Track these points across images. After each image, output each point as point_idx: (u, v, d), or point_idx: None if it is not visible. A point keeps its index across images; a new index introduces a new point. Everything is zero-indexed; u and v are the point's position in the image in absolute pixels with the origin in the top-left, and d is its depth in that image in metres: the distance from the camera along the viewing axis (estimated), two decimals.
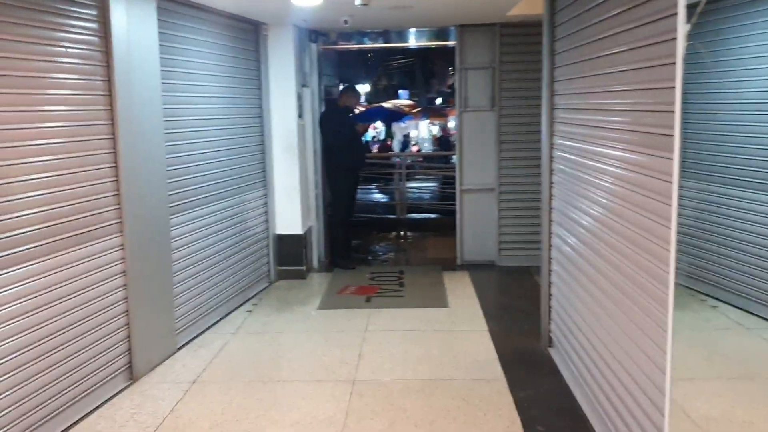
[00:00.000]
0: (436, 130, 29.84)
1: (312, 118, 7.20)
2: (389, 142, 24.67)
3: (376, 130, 28.68)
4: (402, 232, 9.71)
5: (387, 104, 27.18)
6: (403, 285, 6.58)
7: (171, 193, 4.72)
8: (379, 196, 13.99)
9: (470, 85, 7.16)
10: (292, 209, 6.81)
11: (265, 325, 5.41)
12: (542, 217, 4.84)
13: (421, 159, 16.21)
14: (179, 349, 4.82)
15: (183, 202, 4.93)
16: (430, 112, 30.30)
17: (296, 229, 6.83)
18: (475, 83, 7.15)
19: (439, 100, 34.46)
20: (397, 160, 10.94)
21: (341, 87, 7.60)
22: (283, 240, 6.81)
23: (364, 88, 36.21)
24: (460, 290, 6.33)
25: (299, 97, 6.78)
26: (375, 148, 23.40)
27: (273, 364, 4.62)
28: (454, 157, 12.35)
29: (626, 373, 3.12)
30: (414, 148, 26.00)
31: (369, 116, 26.59)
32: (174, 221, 4.77)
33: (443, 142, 26.38)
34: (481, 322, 5.39)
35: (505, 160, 7.15)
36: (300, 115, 6.84)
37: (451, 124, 29.73)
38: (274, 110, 6.63)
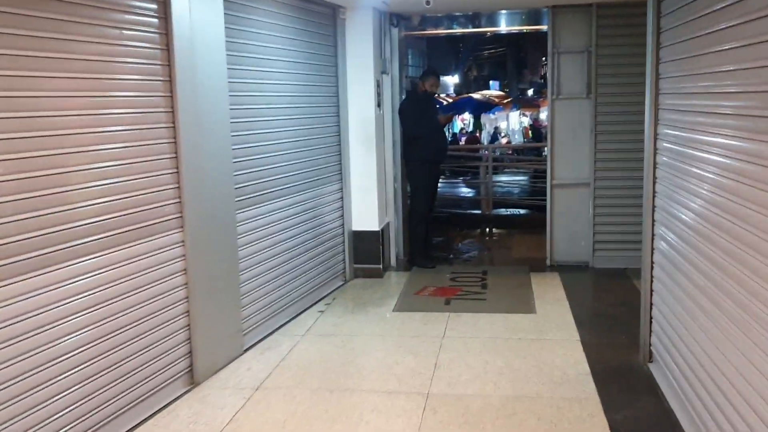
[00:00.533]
0: (527, 121, 28.97)
1: (391, 108, 6.84)
2: (478, 134, 24.07)
3: (464, 121, 28.13)
4: (487, 229, 9.23)
5: (476, 95, 26.55)
6: (486, 287, 6.12)
7: (238, 186, 4.47)
8: (464, 190, 13.52)
9: (564, 71, 6.60)
10: (368, 204, 6.48)
11: (337, 327, 5.10)
12: (644, 215, 4.30)
13: (510, 152, 15.59)
14: (246, 351, 4.57)
15: (251, 196, 4.67)
16: (521, 102, 29.41)
17: (373, 225, 6.50)
18: (569, 69, 6.58)
19: (530, 91, 33.46)
20: (485, 152, 10.41)
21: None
22: (359, 236, 6.49)
23: (453, 79, 35.67)
24: (549, 294, 5.81)
25: (378, 85, 6.43)
26: (463, 140, 22.90)
27: (342, 370, 4.29)
28: (545, 149, 11.80)
29: (740, 396, 2.65)
30: (503, 140, 25.30)
31: (458, 107, 26.07)
32: (241, 216, 4.52)
33: (535, 133, 25.51)
34: (572, 330, 4.87)
35: (602, 153, 6.55)
36: (378, 105, 6.49)
37: (543, 115, 28.78)
38: (351, 99, 6.31)
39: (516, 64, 35.54)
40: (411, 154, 6.84)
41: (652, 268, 4.15)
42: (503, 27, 8.92)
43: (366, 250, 6.52)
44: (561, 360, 4.33)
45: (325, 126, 5.96)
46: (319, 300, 5.78)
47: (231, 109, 4.35)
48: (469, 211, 10.56)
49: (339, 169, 6.29)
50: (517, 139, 26.42)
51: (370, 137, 6.40)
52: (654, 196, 4.10)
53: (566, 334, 4.81)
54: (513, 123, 29.35)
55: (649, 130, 4.12)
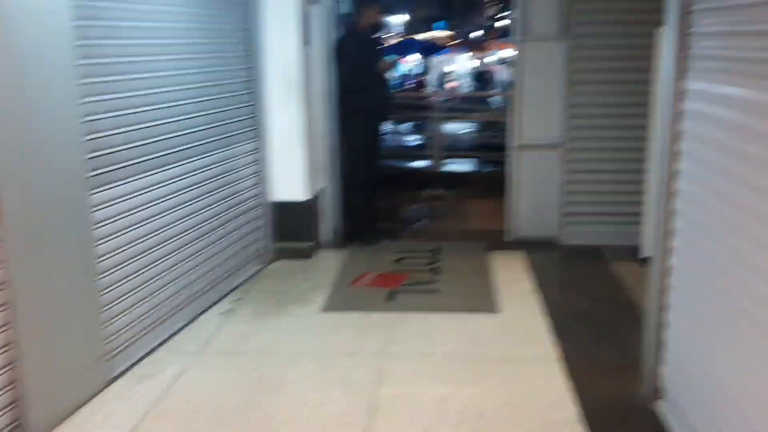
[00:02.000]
0: (475, 64, 27.75)
1: (324, 46, 5.50)
2: (424, 78, 22.77)
3: (410, 63, 26.73)
4: (438, 190, 8.06)
5: (422, 36, 25.11)
6: (438, 271, 4.99)
7: (91, 156, 3.14)
8: (411, 138, 12.33)
9: (534, 5, 5.37)
10: (294, 168, 5.22)
11: (244, 340, 3.89)
12: (653, 203, 3.18)
13: (459, 99, 14.43)
14: (114, 380, 3.33)
15: (115, 167, 3.35)
16: (470, 45, 28.14)
17: (300, 194, 5.25)
18: (540, 3, 5.35)
19: (478, 33, 32.11)
20: (433, 100, 9.18)
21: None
22: (282, 209, 5.25)
23: (401, 18, 33.96)
24: (515, 283, 4.72)
25: (305, 17, 5.08)
26: (411, 84, 21.57)
27: (241, 419, 3.09)
28: (495, 98, 10.75)
29: None
30: (452, 84, 24.06)
31: (402, 49, 24.60)
32: (96, 198, 3.20)
33: (479, 78, 24.32)
34: (548, 343, 3.79)
35: (577, 108, 5.41)
36: (306, 42, 5.15)
37: (492, 58, 27.60)
38: (269, 35, 4.96)
39: (465, 3, 34.09)
40: (349, 106, 5.56)
41: (665, 274, 3.06)
42: None
43: (292, 225, 5.29)
44: (539, 395, 3.23)
45: (231, 69, 4.63)
46: (228, 293, 4.55)
47: (79, 55, 3.00)
48: (417, 167, 9.38)
49: (254, 125, 4.99)
50: (466, 85, 25.26)
51: (295, 84, 5.10)
52: (673, 178, 2.98)
53: (541, 348, 3.72)
54: (461, 66, 28.12)
55: (668, 83, 2.96)
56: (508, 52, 26.55)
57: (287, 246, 5.30)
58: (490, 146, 10.01)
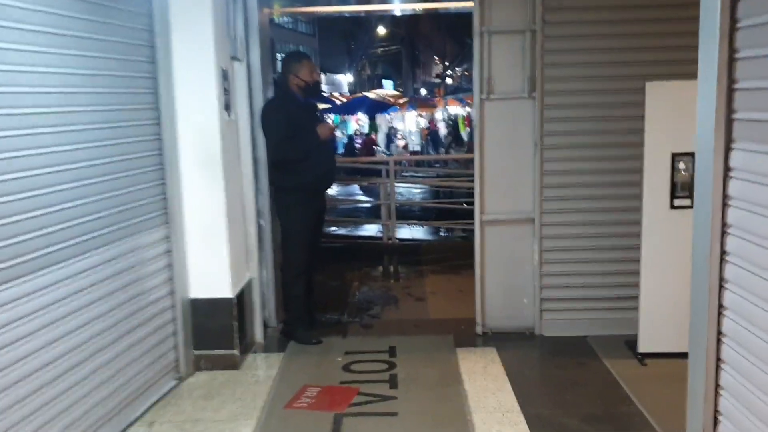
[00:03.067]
0: (423, 123, 27.39)
1: (250, 111, 4.64)
2: (374, 136, 22.19)
3: (360, 123, 26.21)
4: (391, 267, 7.19)
5: (371, 94, 24.67)
6: (395, 384, 4.03)
7: None
8: (362, 199, 11.49)
9: (496, 59, 4.62)
10: (215, 259, 4.25)
11: None
12: (696, 292, 2.35)
13: (411, 163, 13.74)
14: None
15: None
16: (416, 102, 27.86)
17: (223, 289, 4.28)
18: (504, 56, 4.61)
19: (424, 92, 32.00)
20: (385, 166, 8.39)
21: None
22: (201, 309, 4.25)
23: (346, 78, 33.65)
24: (491, 395, 3.80)
25: (225, 77, 4.21)
26: (359, 144, 20.90)
27: None
28: (449, 154, 10.07)
29: None
30: (400, 143, 23.52)
31: (351, 107, 24.06)
32: None
33: (433, 136, 23.88)
34: None
35: (552, 175, 4.63)
36: (227, 107, 4.27)
37: (438, 115, 27.30)
38: (180, 97, 4.06)
39: (410, 62, 34.14)
40: (282, 181, 4.66)
41: (717, 395, 2.19)
42: (403, 5, 6.93)
43: (213, 329, 4.28)
44: None
45: (134, 141, 3.70)
46: (131, 424, 3.52)
47: None
48: (367, 235, 8.50)
49: (163, 208, 4.04)
50: (415, 142, 24.76)
51: (214, 157, 4.18)
52: (724, 259, 2.15)
53: None
54: (409, 124, 27.74)
55: (708, 162, 2.15)
56: (456, 109, 26.32)
57: (208, 354, 4.29)
58: (452, 212, 9.24)
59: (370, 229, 9.15)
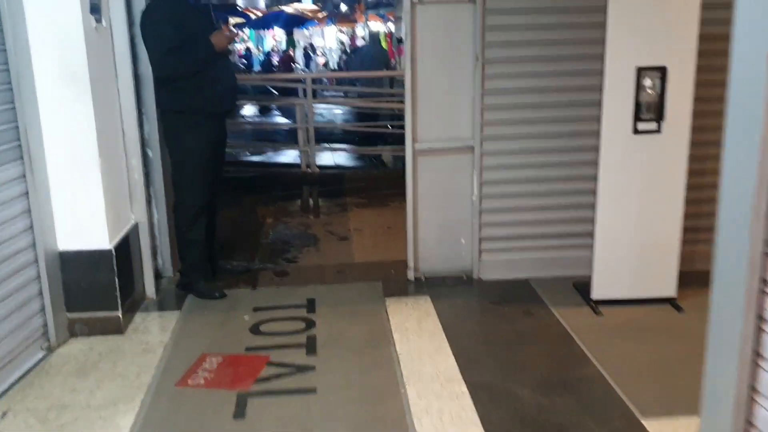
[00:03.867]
0: (344, 38, 26.10)
1: (128, 16, 3.71)
2: (291, 52, 20.89)
3: (277, 39, 24.72)
4: (311, 200, 6.47)
5: (288, 8, 23.14)
6: (314, 347, 3.37)
7: None
8: (280, 122, 10.56)
9: None
10: (87, 202, 3.42)
11: None
12: (721, 244, 1.75)
13: (331, 81, 12.75)
14: None
15: None
16: (336, 17, 26.48)
17: (98, 239, 3.46)
18: None
19: (344, 7, 30.55)
20: (302, 84, 7.48)
21: None
22: (74, 264, 3.44)
23: None
24: (427, 359, 3.21)
25: None
26: (276, 61, 19.59)
27: None
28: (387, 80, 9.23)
29: None
30: (320, 60, 22.28)
31: (267, 22, 22.55)
32: None
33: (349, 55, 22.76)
34: None
35: (495, 96, 3.95)
36: (94, 10, 3.35)
37: (359, 31, 26.03)
38: (29, 2, 3.11)
39: None
40: (169, 103, 3.80)
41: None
42: None
43: (89, 286, 3.49)
44: None
45: None
46: None
47: None
48: (285, 162, 7.69)
49: (15, 139, 3.16)
50: (335, 59, 23.56)
51: (78, 73, 3.28)
52: None
53: None
54: (329, 41, 26.42)
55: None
56: (378, 25, 25.12)
57: (85, 317, 3.51)
58: (379, 137, 8.48)
59: (290, 155, 8.33)
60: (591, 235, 3.69)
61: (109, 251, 3.46)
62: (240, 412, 2.81)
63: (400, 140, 7.26)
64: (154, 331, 3.58)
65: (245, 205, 5.86)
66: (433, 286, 4.09)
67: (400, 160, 8.17)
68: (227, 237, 4.87)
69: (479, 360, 3.22)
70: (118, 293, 3.51)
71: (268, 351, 3.33)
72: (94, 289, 3.49)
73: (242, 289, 4.11)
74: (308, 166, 7.21)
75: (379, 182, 6.69)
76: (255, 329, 3.58)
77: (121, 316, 3.54)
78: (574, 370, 3.11)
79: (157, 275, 4.17)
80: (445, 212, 4.14)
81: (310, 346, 3.36)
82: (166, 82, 3.72)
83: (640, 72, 3.47)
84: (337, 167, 8.46)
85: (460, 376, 3.05)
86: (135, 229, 3.84)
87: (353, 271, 4.40)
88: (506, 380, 3.02)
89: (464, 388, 2.94)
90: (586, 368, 3.11)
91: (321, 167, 7.41)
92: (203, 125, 3.79)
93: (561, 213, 4.08)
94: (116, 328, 3.53)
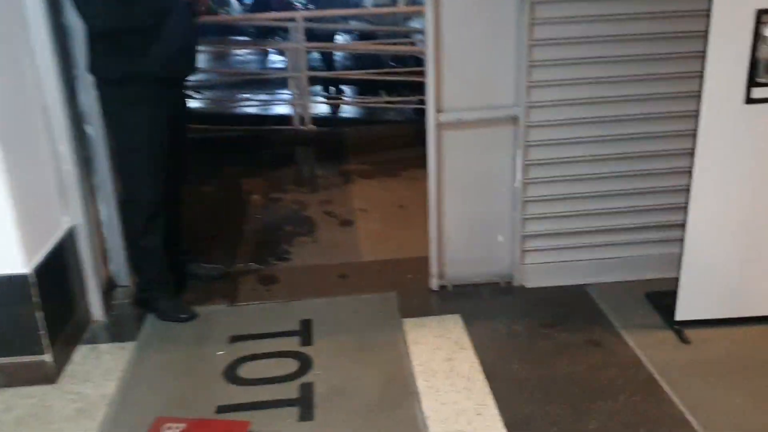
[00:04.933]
0: None
1: None
2: None
3: None
4: (306, 168, 5.49)
5: None
6: (309, 407, 2.46)
7: None
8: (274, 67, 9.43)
9: None
10: None
11: None
12: None
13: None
14: None
15: None
16: None
17: (9, 261, 2.52)
18: None
19: None
20: (293, 23, 6.35)
21: None
22: None
23: None
24: (467, 426, 2.32)
25: None
26: None
27: None
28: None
29: None
30: None
31: None
32: None
33: None
34: None
35: (548, 48, 2.93)
36: None
37: None
38: None
39: None
40: (107, 70, 2.78)
41: None
42: None
43: (3, 323, 2.58)
44: None
45: None
46: None
47: None
48: (276, 125, 6.65)
49: None
50: None
51: None
52: None
53: None
54: None
55: None
56: None
57: (3, 364, 2.61)
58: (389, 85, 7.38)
59: (282, 109, 7.29)
60: (669, 227, 2.77)
61: (24, 277, 2.52)
62: None
63: (412, 89, 6.30)
64: (96, 378, 2.68)
65: (226, 177, 4.89)
66: (463, 298, 3.17)
67: (410, 113, 7.22)
68: (201, 226, 3.93)
69: (537, 426, 2.32)
70: (43, 331, 2.59)
71: (248, 413, 2.43)
72: (9, 328, 2.58)
73: (217, 306, 3.19)
74: (302, 121, 6.18)
75: (386, 142, 5.70)
76: (231, 374, 2.67)
77: (50, 360, 2.63)
78: None
79: (110, 286, 3.26)
80: (477, 203, 3.17)
81: (305, 405, 2.46)
82: (103, 40, 2.71)
83: (761, 16, 2.46)
84: (337, 118, 7.45)
85: None
86: (70, 235, 2.90)
87: (360, 275, 3.46)
88: None
89: None
90: None
91: (317, 120, 6.36)
92: (153, 97, 2.78)
93: (631, 200, 3.13)
94: (45, 377, 2.63)
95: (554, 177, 3.10)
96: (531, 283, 3.24)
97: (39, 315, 2.56)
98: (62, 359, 2.73)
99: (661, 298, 2.99)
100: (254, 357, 2.77)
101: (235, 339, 2.90)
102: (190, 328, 3.01)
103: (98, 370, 2.73)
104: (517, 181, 3.10)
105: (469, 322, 2.95)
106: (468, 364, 2.66)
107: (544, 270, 3.23)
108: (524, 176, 3.09)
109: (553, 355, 2.72)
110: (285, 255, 3.74)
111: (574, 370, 2.62)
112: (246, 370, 2.69)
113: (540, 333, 2.87)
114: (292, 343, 2.85)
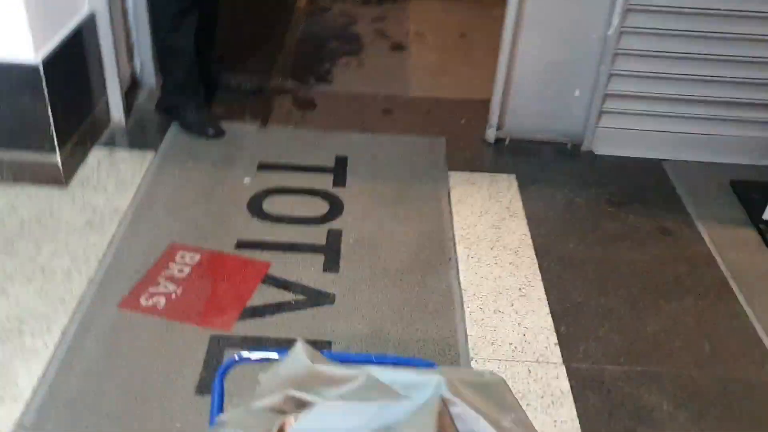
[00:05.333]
0: None
1: None
2: None
3: None
4: None
5: None
6: (336, 257, 2.22)
7: None
8: None
9: None
10: None
11: None
12: None
13: None
14: None
15: None
16: None
17: (15, 46, 2.18)
18: None
19: None
20: None
21: None
22: None
23: None
24: (507, 308, 2.07)
25: None
26: None
27: None
28: None
29: None
30: None
31: None
32: None
33: None
34: None
35: None
36: None
37: None
38: None
39: None
40: None
41: None
42: None
43: (9, 116, 2.30)
44: None
45: None
46: None
47: None
48: None
49: None
50: None
51: None
52: None
53: None
54: None
55: None
56: None
57: (11, 160, 2.37)
58: None
59: None
60: None
61: (34, 67, 2.19)
62: (206, 383, 1.75)
63: None
64: (110, 188, 2.44)
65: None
66: (521, 156, 2.82)
67: None
68: (237, 32, 3.51)
69: (586, 319, 2.06)
70: (52, 129, 2.31)
71: (269, 253, 2.20)
72: (16, 121, 2.30)
73: (248, 125, 2.87)
74: None
75: None
76: (255, 206, 2.41)
77: (59, 162, 2.37)
78: (738, 361, 1.95)
79: (134, 85, 2.94)
80: (559, 47, 2.70)
81: (331, 255, 2.21)
82: None
83: None
84: None
85: (558, 355, 1.92)
86: (90, 23, 2.52)
87: (406, 112, 3.09)
88: (632, 370, 1.89)
89: (564, 381, 1.84)
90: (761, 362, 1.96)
91: None
92: None
93: (733, 70, 2.64)
94: (53, 178, 2.40)
95: (654, 29, 2.60)
96: (602, 149, 2.86)
97: (48, 111, 2.26)
98: (74, 161, 2.48)
99: (748, 189, 2.62)
100: (282, 191, 2.50)
101: (264, 167, 2.61)
102: (215, 146, 2.72)
103: (112, 179, 2.48)
104: (612, 27, 2.60)
105: (525, 186, 2.61)
106: (518, 235, 2.36)
107: (620, 136, 2.83)
108: (621, 23, 2.59)
109: (616, 238, 2.40)
110: (326, 76, 3.34)
111: (637, 259, 2.31)
112: (272, 205, 2.42)
113: (604, 211, 2.54)
114: (325, 181, 2.56)
